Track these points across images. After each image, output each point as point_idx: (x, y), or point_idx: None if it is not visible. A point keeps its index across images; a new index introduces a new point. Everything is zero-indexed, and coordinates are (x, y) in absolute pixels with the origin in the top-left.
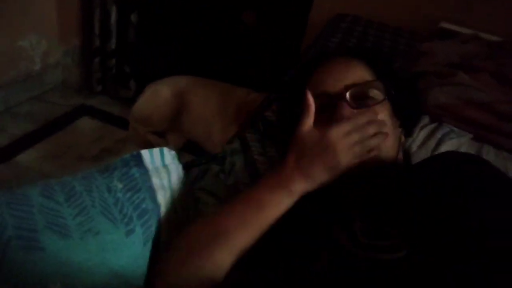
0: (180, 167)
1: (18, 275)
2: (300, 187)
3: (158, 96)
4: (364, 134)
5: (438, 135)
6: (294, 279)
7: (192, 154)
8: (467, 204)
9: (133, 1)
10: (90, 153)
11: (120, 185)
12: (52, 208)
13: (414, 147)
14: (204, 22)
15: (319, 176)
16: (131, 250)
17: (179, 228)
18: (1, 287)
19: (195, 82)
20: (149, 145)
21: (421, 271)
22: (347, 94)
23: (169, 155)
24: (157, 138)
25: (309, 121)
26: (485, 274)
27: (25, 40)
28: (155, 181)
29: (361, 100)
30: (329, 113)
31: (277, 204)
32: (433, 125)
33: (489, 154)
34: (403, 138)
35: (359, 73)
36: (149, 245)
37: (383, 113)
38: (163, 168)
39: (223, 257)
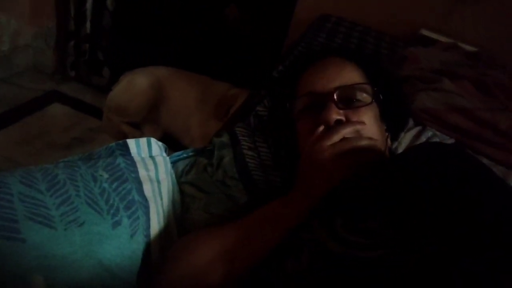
0: (167, 159)
1: None
2: (303, 206)
3: (134, 85)
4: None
5: (423, 138)
6: (275, 277)
7: (170, 149)
8: (454, 197)
9: None
10: (61, 141)
11: (105, 175)
12: (34, 197)
13: (399, 150)
14: (185, 14)
15: (319, 193)
16: (118, 242)
17: (168, 222)
18: None
19: (174, 73)
20: (124, 136)
21: (403, 269)
22: (335, 95)
23: (157, 146)
24: (132, 129)
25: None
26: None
27: None
28: (142, 172)
29: (349, 101)
30: (317, 112)
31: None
32: (417, 129)
33: None
34: (389, 142)
35: (350, 75)
36: (136, 237)
37: (370, 116)
38: (150, 159)
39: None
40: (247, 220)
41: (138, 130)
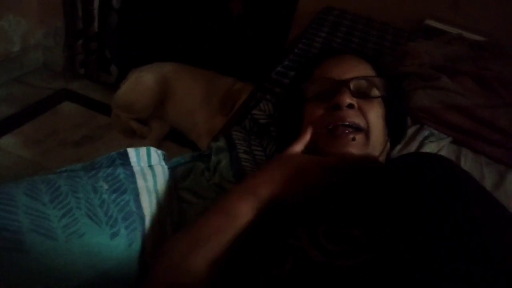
0: (166, 168)
1: (1, 278)
2: (266, 192)
3: (141, 82)
4: None
5: (420, 137)
6: (259, 282)
7: (176, 143)
8: (438, 207)
9: None
10: (71, 139)
11: (105, 186)
12: (38, 209)
13: (396, 150)
14: (189, 9)
15: (289, 188)
16: (115, 252)
17: (163, 231)
18: None
19: (180, 69)
20: (132, 132)
21: (386, 276)
22: (351, 83)
23: (156, 155)
24: (140, 126)
25: (299, 147)
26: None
27: (2, 19)
28: (140, 182)
29: (363, 92)
30: (331, 97)
31: (247, 212)
32: (414, 128)
33: (467, 158)
34: (388, 145)
35: (365, 71)
36: (134, 246)
37: (378, 112)
38: (149, 169)
39: (198, 265)
40: (210, 215)
41: (146, 126)
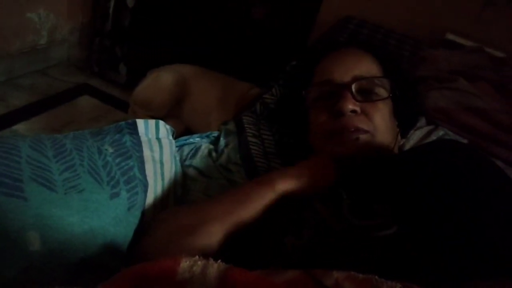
0: (173, 142)
1: None
2: (283, 187)
3: (159, 81)
4: None
5: (433, 137)
6: (273, 253)
7: None
8: (458, 186)
9: None
10: None
11: (110, 150)
12: (40, 161)
13: (407, 147)
14: (210, 14)
15: (303, 184)
16: (114, 212)
17: (165, 202)
18: None
19: (198, 71)
20: None
21: (411, 248)
22: (353, 86)
23: (164, 129)
24: None
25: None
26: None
27: (33, 12)
28: (146, 152)
29: (366, 94)
30: (333, 101)
31: (261, 197)
32: (429, 127)
33: None
34: (399, 138)
35: (368, 67)
36: (133, 211)
37: (384, 110)
38: (156, 141)
39: (205, 242)
40: (223, 196)
41: None
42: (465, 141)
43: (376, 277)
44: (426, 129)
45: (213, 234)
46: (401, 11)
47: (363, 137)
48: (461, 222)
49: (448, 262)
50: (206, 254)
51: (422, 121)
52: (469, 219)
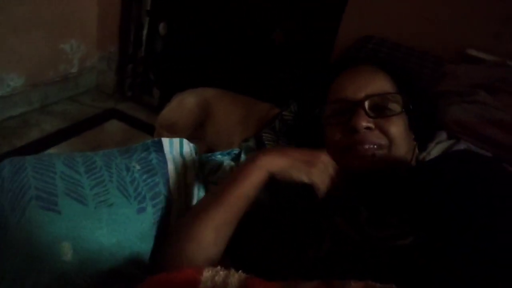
0: (196, 159)
1: (34, 231)
2: (266, 162)
3: (183, 105)
4: None
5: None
6: (297, 264)
7: None
8: (475, 197)
9: (162, 14)
10: None
11: (138, 167)
12: (73, 177)
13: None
14: (234, 40)
15: (287, 164)
16: (140, 227)
17: None
18: (18, 240)
19: (221, 94)
20: None
21: (427, 257)
22: (366, 103)
23: (188, 147)
24: None
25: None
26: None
27: (66, 43)
28: (171, 169)
29: (379, 110)
30: (347, 117)
31: (246, 176)
32: (450, 141)
33: None
34: (417, 151)
35: (381, 84)
36: (158, 225)
37: (399, 125)
38: (180, 158)
39: (203, 235)
40: (214, 188)
41: None
42: (488, 154)
43: (394, 286)
44: (447, 143)
45: (202, 237)
46: (420, 29)
47: (379, 153)
48: (479, 232)
49: (464, 271)
50: (209, 258)
51: (443, 135)
52: (487, 228)
